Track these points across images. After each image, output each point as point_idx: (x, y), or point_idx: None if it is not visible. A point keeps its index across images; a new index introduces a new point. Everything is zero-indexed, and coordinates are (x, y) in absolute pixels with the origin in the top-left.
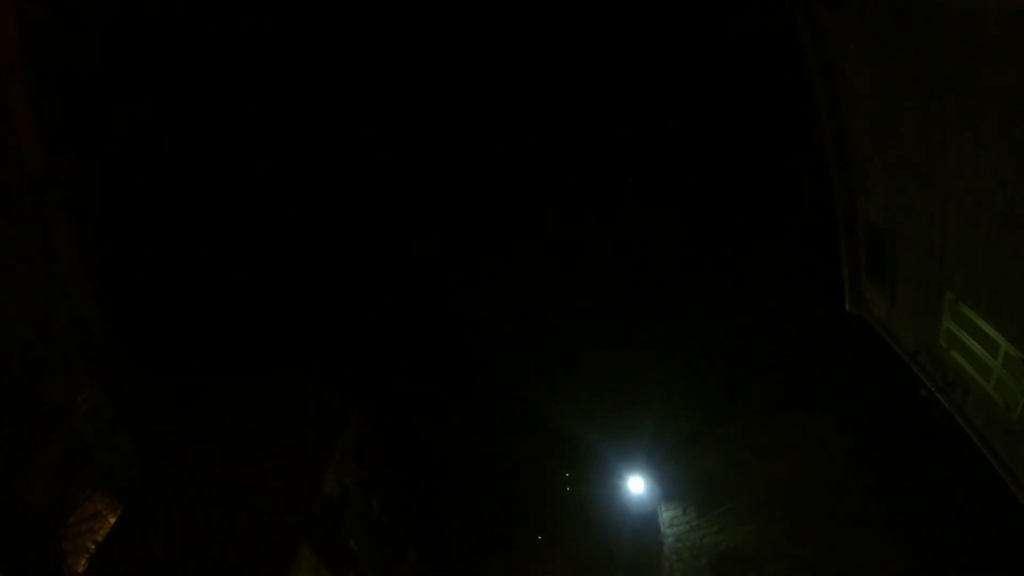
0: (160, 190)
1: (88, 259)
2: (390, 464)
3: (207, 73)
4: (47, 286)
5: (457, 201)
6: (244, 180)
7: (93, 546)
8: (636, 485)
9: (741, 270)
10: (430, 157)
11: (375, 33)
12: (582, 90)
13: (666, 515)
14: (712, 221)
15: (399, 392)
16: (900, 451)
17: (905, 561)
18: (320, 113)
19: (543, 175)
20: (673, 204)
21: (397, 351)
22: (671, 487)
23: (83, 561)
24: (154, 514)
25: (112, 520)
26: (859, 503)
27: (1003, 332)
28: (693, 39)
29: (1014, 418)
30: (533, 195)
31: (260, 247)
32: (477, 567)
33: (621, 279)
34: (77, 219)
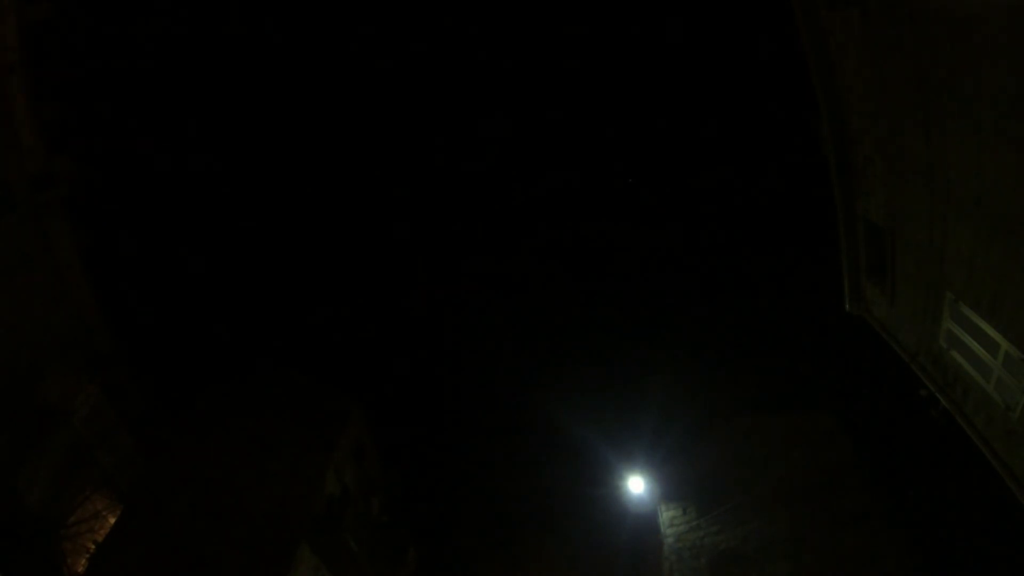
0: (160, 190)
1: (88, 259)
2: (390, 464)
3: (207, 73)
4: (47, 286)
5: (459, 202)
6: (244, 180)
7: (93, 546)
8: (636, 485)
9: (741, 270)
10: (431, 159)
11: (375, 35)
12: (581, 91)
13: (666, 515)
14: (712, 221)
15: (399, 392)
16: (900, 451)
17: (905, 561)
18: (321, 113)
19: (545, 175)
20: (673, 204)
21: (397, 351)
22: (671, 487)
23: (83, 561)
24: (154, 514)
25: (112, 520)
26: (859, 503)
27: (1003, 332)
28: (694, 39)
29: (1014, 418)
30: (534, 195)
31: (261, 247)
32: (477, 567)
33: (621, 279)
34: (77, 219)
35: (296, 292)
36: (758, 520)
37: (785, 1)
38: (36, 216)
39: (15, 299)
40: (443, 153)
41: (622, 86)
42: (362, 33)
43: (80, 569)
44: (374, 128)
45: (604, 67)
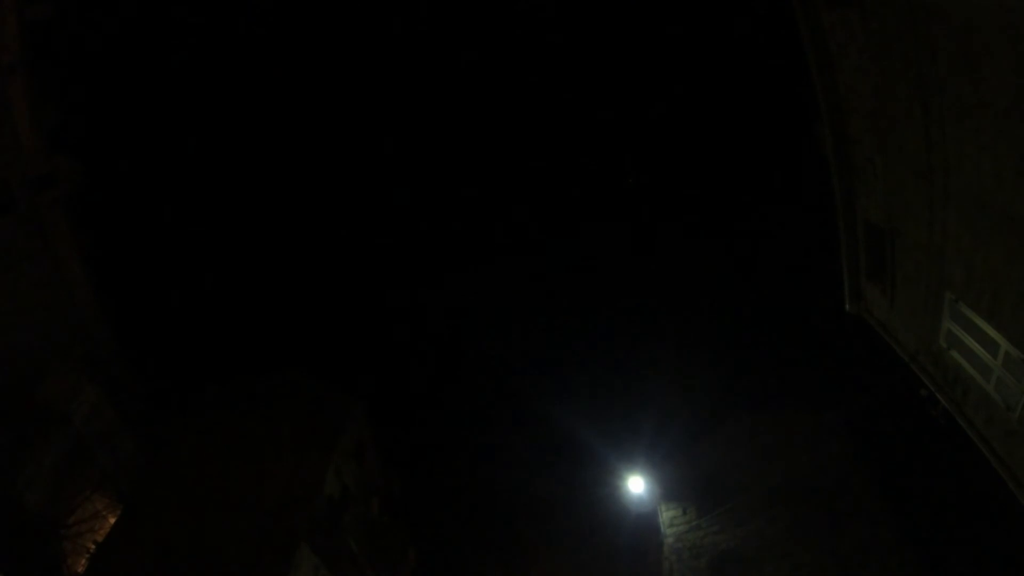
0: (160, 190)
1: (88, 259)
2: (390, 464)
3: (208, 73)
4: (47, 286)
5: (458, 202)
6: (245, 181)
7: (93, 546)
8: (636, 485)
9: (741, 270)
10: (428, 158)
11: (379, 33)
12: (582, 92)
13: (666, 515)
14: (712, 221)
15: (399, 392)
16: (900, 451)
17: (905, 561)
18: (320, 113)
19: (545, 175)
20: (673, 204)
21: (397, 351)
22: (671, 487)
23: (83, 561)
24: (154, 514)
25: (112, 520)
26: (859, 502)
27: (1003, 332)
28: (694, 39)
29: (1014, 418)
30: (534, 194)
31: (261, 248)
32: (477, 567)
33: (621, 279)
34: (77, 219)
35: (297, 292)
36: (758, 520)
37: (785, 1)
38: (36, 216)
39: (15, 299)
40: (439, 152)
41: (622, 86)
42: (371, 35)
43: (80, 569)
44: (372, 128)
45: (605, 67)
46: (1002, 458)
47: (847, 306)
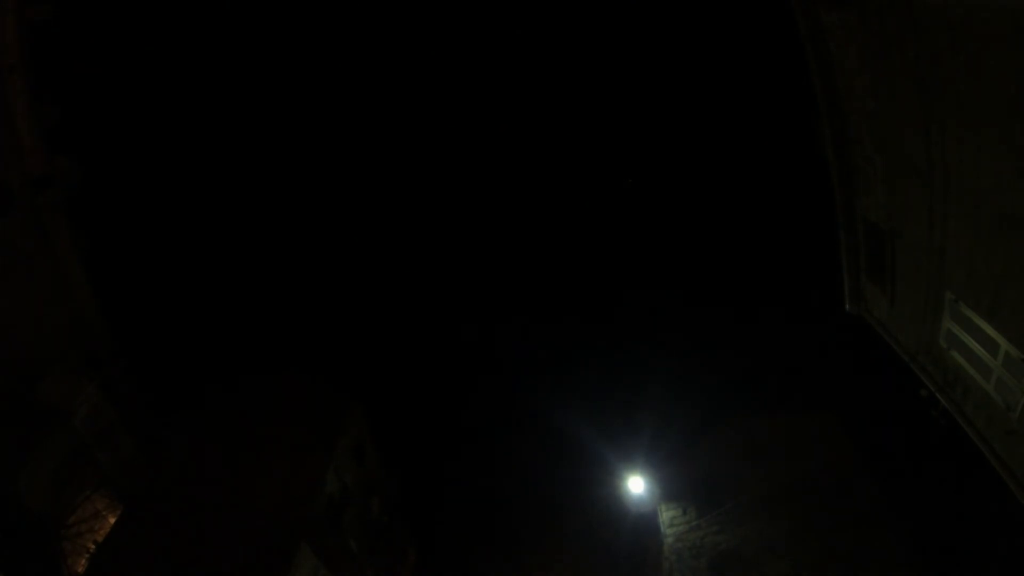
0: (160, 190)
1: (88, 259)
2: (390, 464)
3: (208, 73)
4: (47, 286)
5: (456, 200)
6: (245, 180)
7: (93, 546)
8: (636, 485)
9: (741, 270)
10: (426, 156)
11: (380, 34)
12: (582, 90)
13: (666, 515)
14: (712, 221)
15: (399, 392)
16: (900, 451)
17: (905, 560)
18: (319, 113)
19: (545, 173)
20: (672, 204)
21: (398, 351)
22: (671, 487)
23: (83, 561)
24: (154, 514)
25: (112, 520)
26: (859, 503)
27: (1003, 332)
28: (694, 39)
29: (1014, 418)
30: (533, 192)
31: (261, 247)
32: (477, 567)
33: (621, 279)
34: (77, 219)
35: (297, 292)
36: (758, 520)
37: (785, 1)
38: (36, 216)
39: (15, 299)
40: (437, 152)
41: (622, 87)
42: (373, 35)
43: (80, 569)
44: (370, 126)
45: (605, 68)
46: (1002, 458)
47: (847, 306)
